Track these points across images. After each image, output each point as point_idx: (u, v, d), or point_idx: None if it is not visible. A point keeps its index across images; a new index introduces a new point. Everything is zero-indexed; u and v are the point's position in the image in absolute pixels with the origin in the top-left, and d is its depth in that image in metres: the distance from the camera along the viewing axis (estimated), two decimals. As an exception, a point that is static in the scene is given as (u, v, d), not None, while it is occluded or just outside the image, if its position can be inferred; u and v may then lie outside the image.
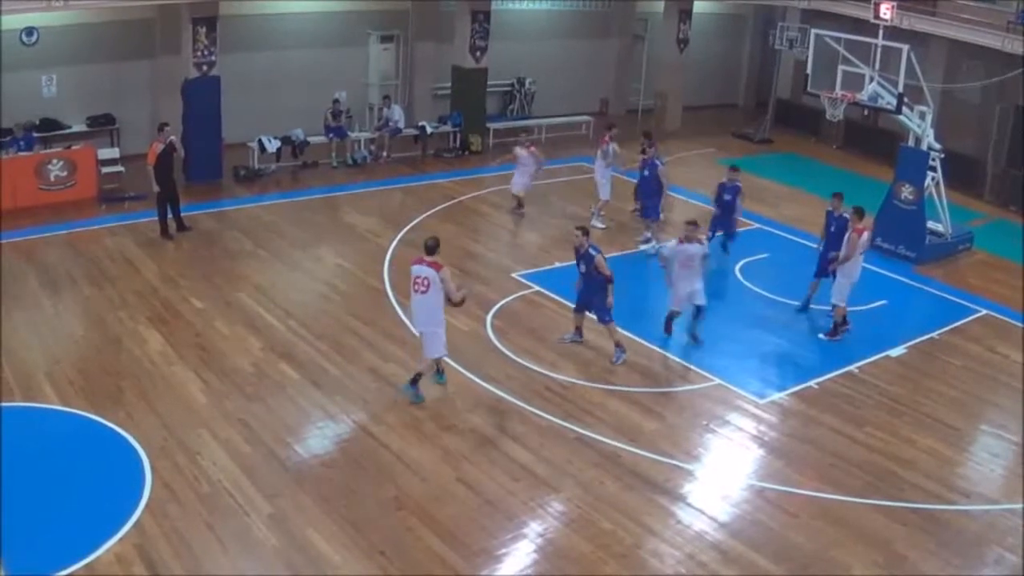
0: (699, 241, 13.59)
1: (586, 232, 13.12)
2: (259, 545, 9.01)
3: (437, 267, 11.25)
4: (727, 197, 16.88)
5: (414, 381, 11.74)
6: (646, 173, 17.54)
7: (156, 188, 16.25)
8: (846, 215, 14.25)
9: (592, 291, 13.10)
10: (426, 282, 11.26)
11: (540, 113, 26.29)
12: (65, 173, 18.01)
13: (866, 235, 13.95)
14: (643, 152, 17.79)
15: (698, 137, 26.57)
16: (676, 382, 12.86)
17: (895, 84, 17.33)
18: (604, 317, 13.06)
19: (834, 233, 14.51)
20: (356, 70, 23.43)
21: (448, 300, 11.42)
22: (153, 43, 20.56)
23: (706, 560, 9.25)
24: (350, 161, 21.91)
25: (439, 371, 12.13)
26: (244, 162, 20.51)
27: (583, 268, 13.08)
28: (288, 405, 11.51)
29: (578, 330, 13.59)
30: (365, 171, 21.63)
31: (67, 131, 19.60)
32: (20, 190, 17.34)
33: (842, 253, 13.99)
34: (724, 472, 10.88)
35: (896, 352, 14.09)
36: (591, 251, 12.95)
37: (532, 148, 19.28)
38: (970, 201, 21.97)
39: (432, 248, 11.39)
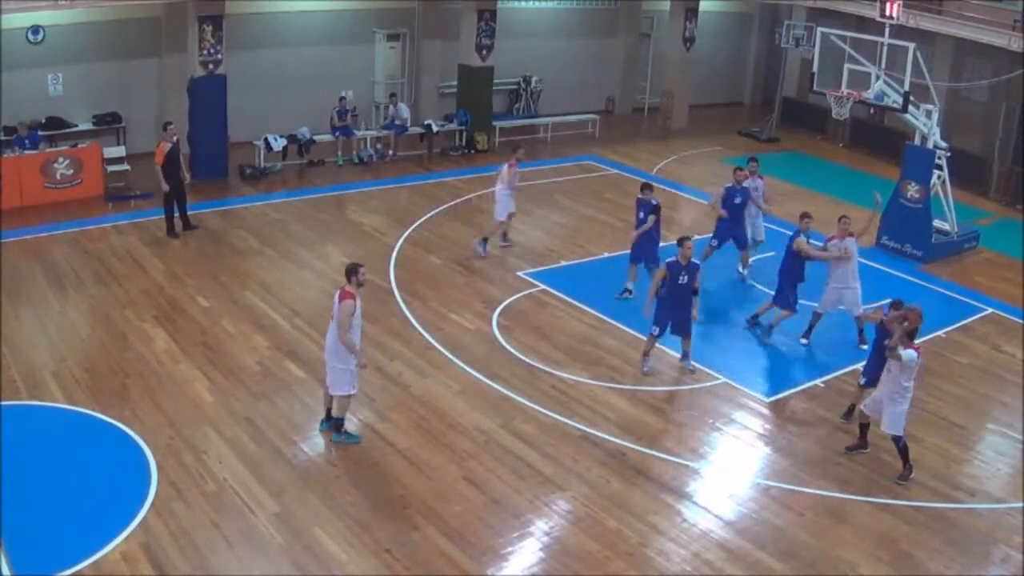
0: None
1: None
2: (265, 543, 9.02)
3: (344, 296, 10.26)
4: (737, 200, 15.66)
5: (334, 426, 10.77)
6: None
7: (165, 188, 16.27)
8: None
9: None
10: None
11: (546, 111, 26.25)
12: (71, 171, 18.04)
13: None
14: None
15: (704, 136, 26.52)
16: (682, 380, 12.85)
17: (901, 83, 17.30)
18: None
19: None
20: (362, 68, 23.42)
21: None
22: (159, 41, 20.59)
23: (712, 558, 9.25)
24: (356, 159, 21.92)
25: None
26: (250, 160, 20.52)
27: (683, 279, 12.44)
28: (294, 403, 11.52)
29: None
30: (371, 169, 21.64)
31: (73, 129, 19.66)
32: (26, 188, 17.39)
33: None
34: (730, 470, 10.87)
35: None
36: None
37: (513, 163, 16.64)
38: (976, 200, 21.92)
39: (347, 272, 10.47)
